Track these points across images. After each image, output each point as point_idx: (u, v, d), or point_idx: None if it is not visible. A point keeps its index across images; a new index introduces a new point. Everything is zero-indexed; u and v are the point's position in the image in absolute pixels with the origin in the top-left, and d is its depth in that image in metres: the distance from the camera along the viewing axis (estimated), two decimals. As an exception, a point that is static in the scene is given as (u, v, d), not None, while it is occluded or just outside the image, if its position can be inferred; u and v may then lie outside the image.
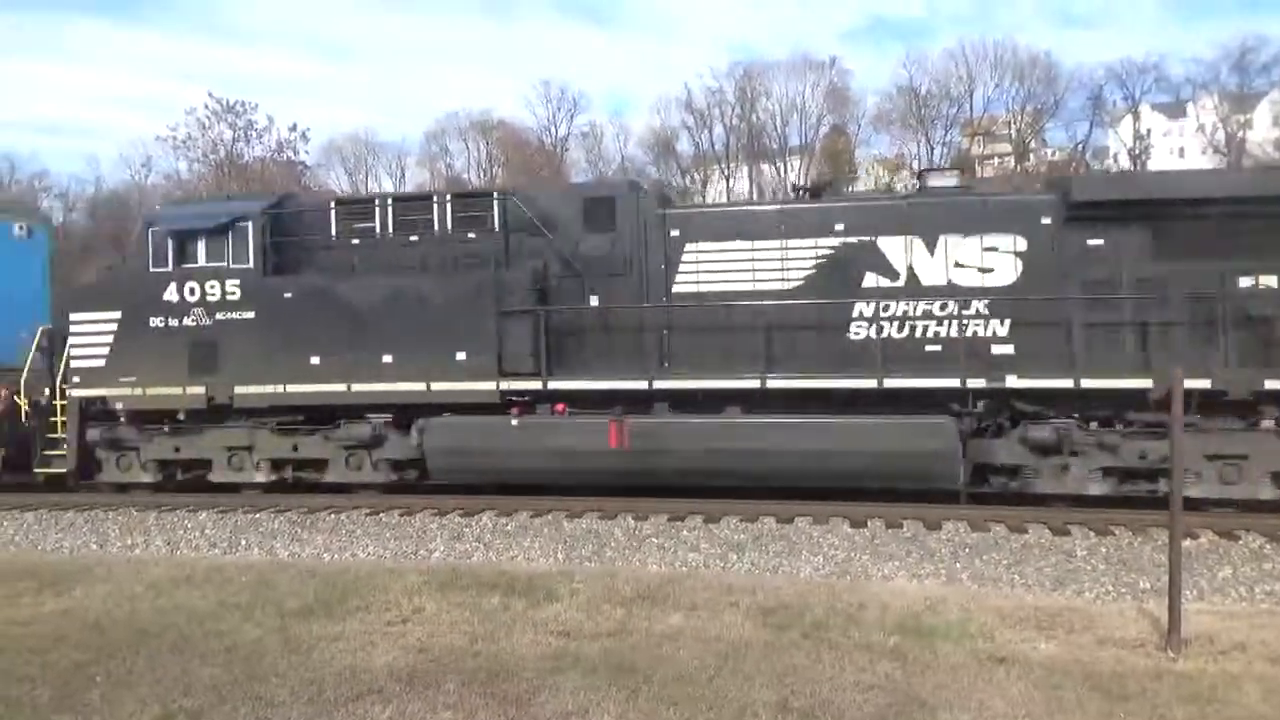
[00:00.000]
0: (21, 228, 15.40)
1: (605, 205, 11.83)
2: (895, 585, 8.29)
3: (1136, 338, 10.57)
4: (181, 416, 12.44)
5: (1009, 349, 10.76)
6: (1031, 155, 56.48)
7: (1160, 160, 63.46)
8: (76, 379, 12.58)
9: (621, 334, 11.64)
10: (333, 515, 11.38)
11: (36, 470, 12.93)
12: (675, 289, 11.61)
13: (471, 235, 12.04)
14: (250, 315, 12.06)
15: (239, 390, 12.06)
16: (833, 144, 59.15)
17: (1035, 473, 10.64)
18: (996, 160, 59.53)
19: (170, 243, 12.33)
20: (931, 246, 11.09)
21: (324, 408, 12.00)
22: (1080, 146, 56.51)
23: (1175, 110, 66.23)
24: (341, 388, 11.81)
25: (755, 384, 10.98)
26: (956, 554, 9.06)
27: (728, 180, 58.54)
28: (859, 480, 10.79)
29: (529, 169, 56.03)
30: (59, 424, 12.77)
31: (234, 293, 12.09)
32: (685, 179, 57.90)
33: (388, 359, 11.72)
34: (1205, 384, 9.82)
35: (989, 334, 10.85)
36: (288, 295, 12.05)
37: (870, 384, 10.63)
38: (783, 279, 11.35)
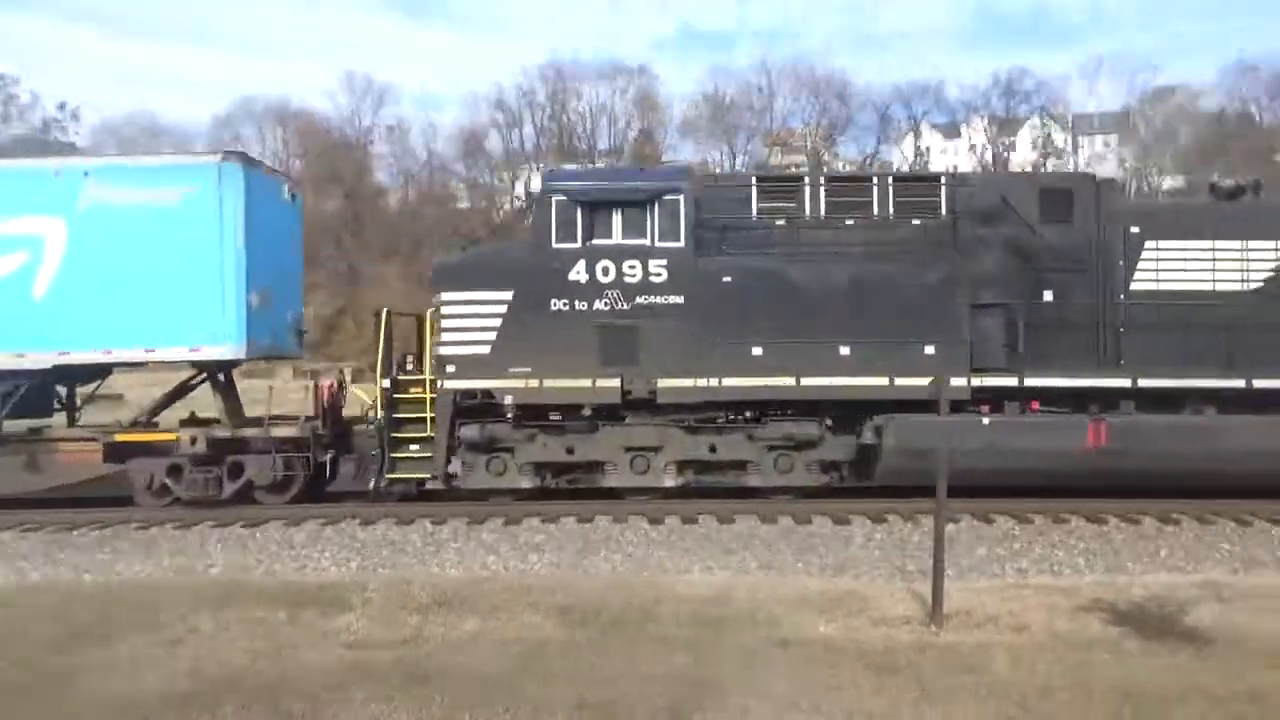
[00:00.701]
0: (290, 190, 12.78)
1: (1064, 196, 11.26)
2: (691, 579, 8.53)
3: None
4: (587, 412, 10.88)
5: None
6: (825, 168, 60.23)
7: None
8: (451, 368, 10.74)
9: (1085, 331, 11.00)
10: (96, 531, 10.39)
11: (392, 476, 10.97)
12: (1133, 287, 11.14)
13: (916, 221, 11.06)
14: (679, 300, 10.61)
15: (663, 383, 10.60)
16: (640, 148, 60.49)
17: None
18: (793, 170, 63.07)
19: (580, 214, 10.71)
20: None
21: (752, 403, 10.85)
22: (869, 160, 60.77)
23: (951, 130, 72.52)
24: (789, 381, 10.61)
25: (1240, 383, 10.65)
26: (748, 546, 9.47)
27: (540, 181, 58.49)
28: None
29: (329, 161, 53.67)
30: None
31: (659, 274, 10.64)
32: (494, 178, 57.40)
33: (845, 351, 10.62)
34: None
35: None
36: (726, 279, 10.62)
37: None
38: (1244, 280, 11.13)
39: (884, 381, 10.62)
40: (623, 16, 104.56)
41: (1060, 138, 65.81)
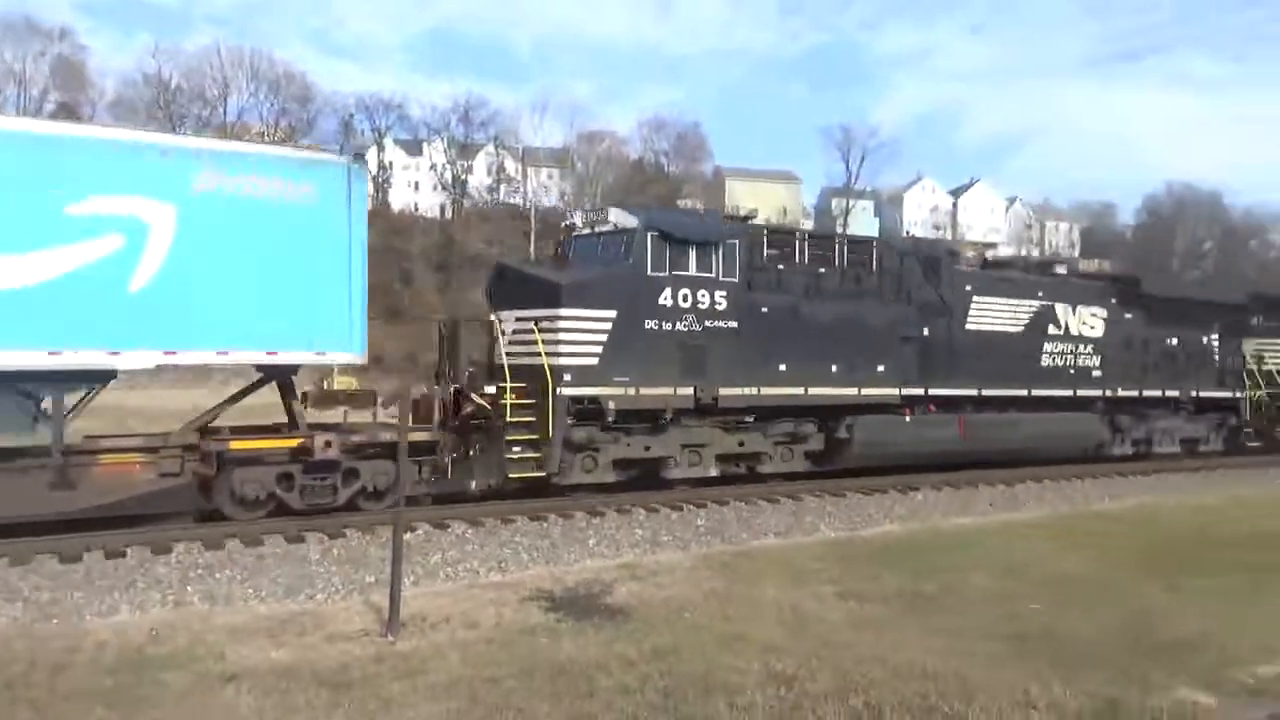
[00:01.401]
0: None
1: (935, 262, 15.99)
2: (116, 620, 7.51)
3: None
4: (669, 416, 12.78)
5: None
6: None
7: (400, 193, 70.77)
8: (568, 377, 11.71)
9: (946, 356, 15.64)
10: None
11: (513, 475, 11.55)
12: (968, 327, 16.06)
13: (859, 276, 14.71)
14: (734, 324, 13.07)
15: (723, 391, 12.97)
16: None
17: None
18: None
19: (668, 249, 12.52)
20: (1077, 310, 17.75)
21: (775, 408, 13.66)
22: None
23: (414, 148, 74.67)
24: (801, 391, 13.76)
25: (1023, 392, 16.59)
26: (187, 576, 8.67)
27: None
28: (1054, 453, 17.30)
29: None
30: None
31: (721, 303, 12.98)
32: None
33: (834, 368, 14.03)
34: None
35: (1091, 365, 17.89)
36: (764, 310, 13.37)
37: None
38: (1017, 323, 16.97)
39: (855, 391, 14.29)
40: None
41: (512, 166, 71.61)
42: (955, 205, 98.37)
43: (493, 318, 12.62)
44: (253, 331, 10.12)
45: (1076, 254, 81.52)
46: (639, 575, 8.76)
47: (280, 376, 11.08)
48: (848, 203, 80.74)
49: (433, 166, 71.11)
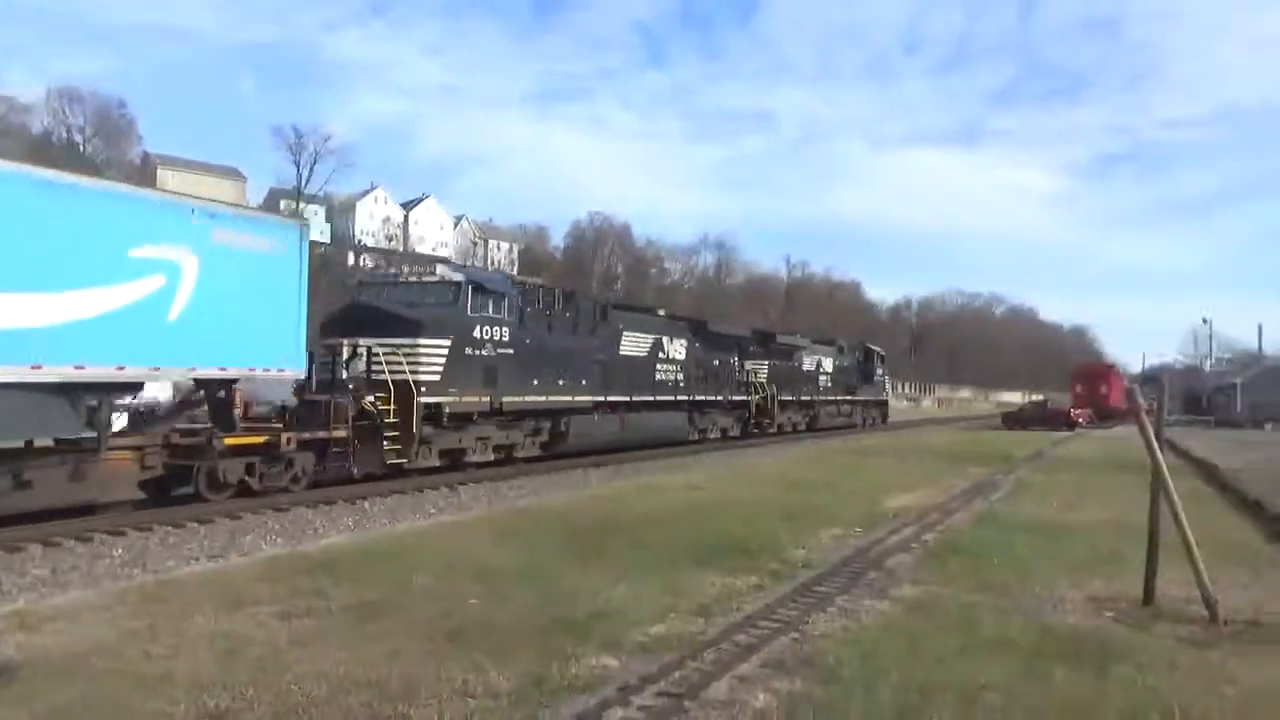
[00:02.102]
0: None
1: (605, 309, 23.84)
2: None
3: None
4: (475, 417, 17.89)
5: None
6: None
7: None
8: (424, 389, 16.02)
9: (614, 373, 22.61)
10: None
11: (395, 463, 15.60)
12: (620, 353, 23.28)
13: (573, 318, 21.45)
14: (512, 351, 18.50)
15: (505, 399, 18.32)
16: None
17: None
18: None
19: (476, 296, 17.76)
20: (673, 341, 26.03)
21: (530, 411, 19.53)
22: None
23: None
24: (544, 398, 19.64)
25: (649, 397, 24.13)
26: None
27: None
28: (663, 440, 24.92)
29: None
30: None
31: (505, 336, 18.37)
32: None
33: (561, 382, 20.09)
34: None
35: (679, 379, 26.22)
36: (527, 342, 19.02)
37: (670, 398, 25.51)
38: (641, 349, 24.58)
39: (572, 398, 20.48)
40: None
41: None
42: (407, 218, 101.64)
43: (344, 343, 16.08)
44: (241, 353, 13.04)
45: (515, 271, 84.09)
46: (31, 624, 7.23)
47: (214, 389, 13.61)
48: (298, 205, 75.51)
49: None
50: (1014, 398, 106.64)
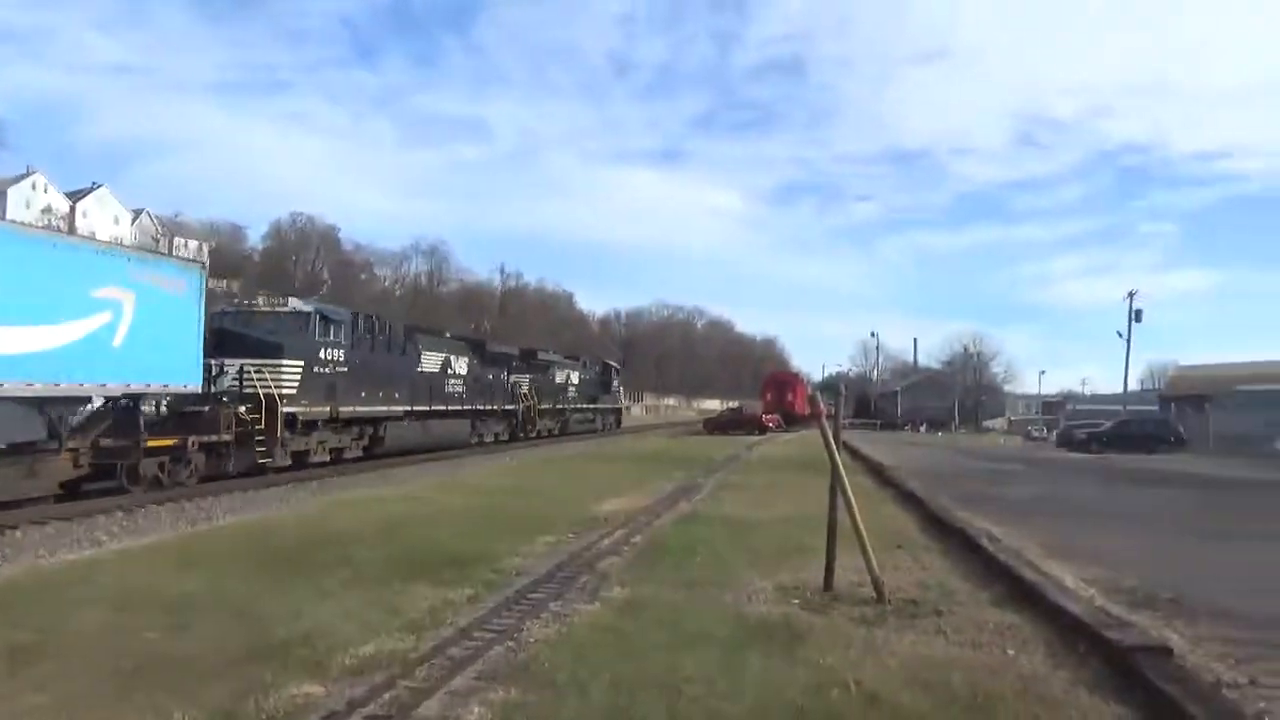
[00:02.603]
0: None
1: (412, 331, 28.85)
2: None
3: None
4: (319, 424, 21.62)
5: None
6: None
7: None
8: (285, 401, 19.40)
9: (418, 386, 26.71)
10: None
11: (262, 461, 18.82)
12: (419, 370, 27.12)
13: (388, 340, 25.65)
14: (346, 370, 22.27)
15: (342, 409, 22.02)
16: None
17: None
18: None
19: (321, 324, 21.66)
20: (458, 359, 30.19)
21: (358, 419, 23.19)
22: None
23: None
24: (369, 408, 23.43)
25: (441, 407, 28.37)
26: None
27: None
28: (453, 443, 29.08)
29: None
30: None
31: (342, 357, 22.14)
32: None
33: (380, 394, 23.95)
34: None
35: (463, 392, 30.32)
36: (357, 361, 22.78)
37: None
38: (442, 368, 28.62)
39: (388, 409, 24.40)
40: None
41: None
42: (73, 209, 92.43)
43: (212, 362, 18.83)
44: (162, 371, 16.15)
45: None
46: None
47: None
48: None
49: None
50: (714, 404, 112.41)
